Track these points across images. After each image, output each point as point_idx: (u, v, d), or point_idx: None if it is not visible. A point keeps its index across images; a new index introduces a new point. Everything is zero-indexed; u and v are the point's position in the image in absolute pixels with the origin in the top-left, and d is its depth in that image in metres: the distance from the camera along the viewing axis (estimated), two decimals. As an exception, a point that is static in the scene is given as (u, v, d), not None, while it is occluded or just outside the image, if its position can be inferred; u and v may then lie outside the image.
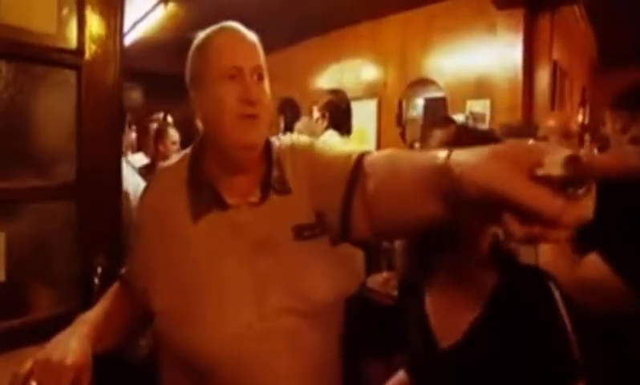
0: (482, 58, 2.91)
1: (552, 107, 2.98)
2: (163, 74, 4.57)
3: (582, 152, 0.36)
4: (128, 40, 3.72)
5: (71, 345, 0.66)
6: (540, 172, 0.38)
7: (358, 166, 0.69)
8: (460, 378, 0.75)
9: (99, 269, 1.02)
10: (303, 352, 0.71)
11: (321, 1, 3.15)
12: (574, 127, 1.80)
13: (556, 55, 2.95)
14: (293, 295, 0.70)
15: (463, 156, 0.48)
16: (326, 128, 2.18)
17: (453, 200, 0.49)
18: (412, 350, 0.87)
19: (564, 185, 0.37)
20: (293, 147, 0.80)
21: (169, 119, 3.60)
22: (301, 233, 0.72)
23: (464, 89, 3.02)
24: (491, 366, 0.72)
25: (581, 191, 0.37)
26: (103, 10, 1.05)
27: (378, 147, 3.55)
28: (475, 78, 2.96)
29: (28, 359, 0.63)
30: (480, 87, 2.93)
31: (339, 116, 2.19)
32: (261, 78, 0.73)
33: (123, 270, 0.84)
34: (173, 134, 2.35)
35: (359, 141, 3.34)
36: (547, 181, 0.37)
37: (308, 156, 0.77)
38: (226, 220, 0.72)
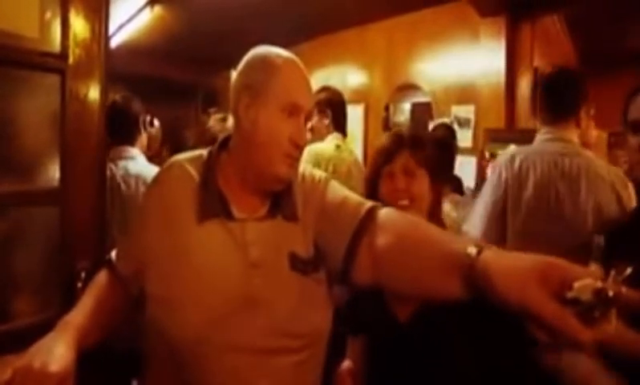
0: (466, 65, 2.97)
1: (534, 113, 3.05)
2: (149, 77, 4.53)
3: (609, 285, 0.41)
4: (114, 43, 3.67)
5: (54, 351, 0.65)
6: (569, 294, 0.43)
7: (369, 216, 0.72)
8: (421, 348, 0.83)
9: (83, 275, 1.01)
10: (283, 371, 0.73)
11: (307, 7, 3.18)
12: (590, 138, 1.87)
13: (537, 62, 3.03)
14: (281, 319, 0.72)
15: (494, 260, 0.50)
16: (329, 129, 1.92)
17: (474, 289, 0.52)
18: (372, 328, 0.92)
19: (589, 309, 0.42)
20: (308, 181, 0.82)
21: (156, 122, 3.56)
22: (294, 263, 0.75)
23: (449, 94, 3.08)
24: (444, 335, 0.81)
25: (601, 315, 0.42)
26: (88, 14, 1.05)
27: (365, 151, 3.58)
28: (460, 83, 3.02)
29: (9, 367, 0.62)
30: (465, 93, 2.99)
31: (340, 114, 1.97)
32: (307, 121, 0.78)
33: (110, 255, 0.84)
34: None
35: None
36: (574, 303, 0.43)
37: (321, 193, 0.80)
38: (230, 231, 0.74)
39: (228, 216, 0.74)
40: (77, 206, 1.04)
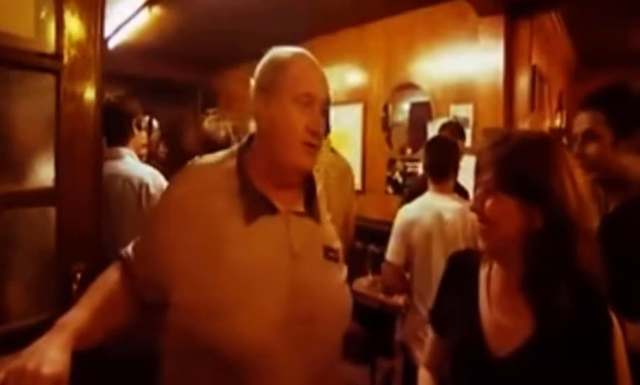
0: (464, 64, 2.97)
1: (532, 111, 3.05)
2: (148, 77, 4.53)
3: None
4: (113, 43, 3.67)
5: (48, 354, 0.64)
6: None
7: None
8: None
9: (79, 276, 1.00)
10: (330, 343, 0.81)
11: (305, 8, 3.17)
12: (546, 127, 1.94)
13: (535, 61, 3.03)
14: (320, 302, 0.78)
15: None
16: None
17: None
18: (456, 349, 0.83)
19: None
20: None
21: (154, 123, 3.55)
22: (327, 252, 0.83)
23: (448, 93, 3.07)
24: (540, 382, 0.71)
25: None
26: (83, 15, 1.05)
27: (364, 151, 3.57)
28: (459, 82, 3.02)
29: (2, 368, 0.61)
30: (463, 92, 2.99)
31: None
32: (323, 112, 0.81)
33: (126, 253, 0.81)
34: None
35: (345, 145, 3.36)
36: None
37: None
38: (276, 225, 0.78)
39: (273, 211, 0.78)
40: (73, 207, 1.03)
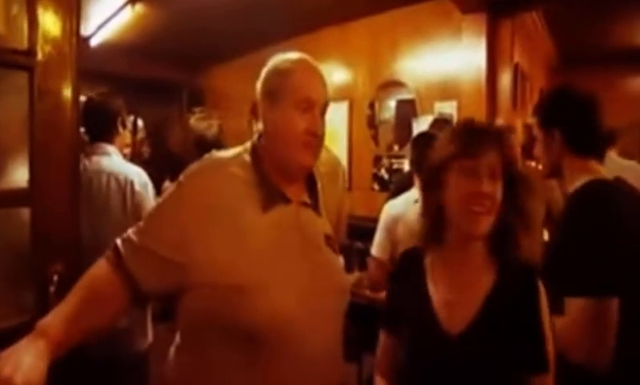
0: (448, 61, 3.00)
1: (514, 107, 3.10)
2: (132, 76, 4.45)
3: None
4: (96, 41, 3.59)
5: (25, 360, 0.63)
6: None
7: None
8: (465, 363, 0.81)
9: (55, 278, 0.98)
10: (338, 319, 0.89)
11: (289, 6, 3.16)
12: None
13: (517, 58, 3.08)
14: (332, 281, 0.89)
15: None
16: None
17: None
18: (412, 335, 0.89)
19: None
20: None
21: (139, 122, 3.49)
22: (328, 240, 0.92)
23: (432, 90, 3.10)
24: (489, 355, 0.80)
25: None
26: (57, 10, 1.02)
27: (350, 148, 3.59)
28: (443, 80, 3.05)
29: None
30: (447, 89, 3.02)
31: None
32: (324, 113, 0.88)
33: (123, 244, 0.80)
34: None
35: (331, 143, 3.37)
36: None
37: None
38: (289, 214, 0.86)
39: (286, 201, 0.86)
40: (48, 207, 1.01)
